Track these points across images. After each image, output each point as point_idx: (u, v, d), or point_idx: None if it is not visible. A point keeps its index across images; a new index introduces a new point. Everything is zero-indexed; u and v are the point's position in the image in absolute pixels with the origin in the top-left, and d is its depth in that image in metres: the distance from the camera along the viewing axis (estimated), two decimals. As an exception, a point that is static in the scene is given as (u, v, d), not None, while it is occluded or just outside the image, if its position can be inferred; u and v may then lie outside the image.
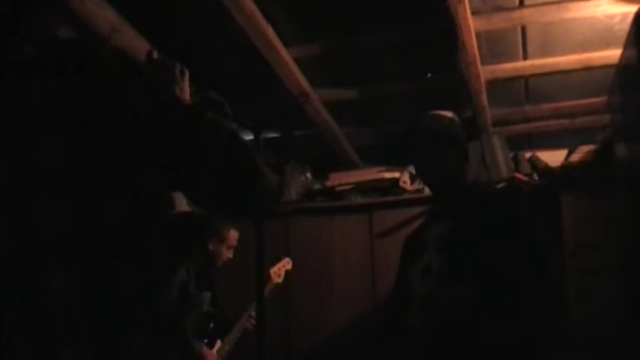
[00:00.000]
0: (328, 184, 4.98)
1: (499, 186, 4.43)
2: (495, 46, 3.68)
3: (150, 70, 1.49)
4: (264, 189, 1.35)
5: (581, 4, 3.19)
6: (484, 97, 3.96)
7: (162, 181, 1.26)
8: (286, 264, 3.91)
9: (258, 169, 1.31)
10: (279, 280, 3.81)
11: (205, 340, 3.30)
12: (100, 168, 1.19)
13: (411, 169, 4.79)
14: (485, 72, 3.76)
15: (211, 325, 3.40)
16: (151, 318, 1.20)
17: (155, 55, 1.53)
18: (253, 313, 3.55)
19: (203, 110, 1.44)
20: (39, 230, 1.14)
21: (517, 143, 4.77)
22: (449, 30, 3.13)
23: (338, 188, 4.94)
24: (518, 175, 4.49)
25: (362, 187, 4.92)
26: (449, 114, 2.35)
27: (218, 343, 3.42)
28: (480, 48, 3.45)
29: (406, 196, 4.72)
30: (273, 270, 3.80)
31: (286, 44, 3.34)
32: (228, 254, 3.54)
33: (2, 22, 1.31)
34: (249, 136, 1.72)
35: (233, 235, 3.54)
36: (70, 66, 1.24)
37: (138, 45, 2.89)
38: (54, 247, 1.14)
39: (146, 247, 1.23)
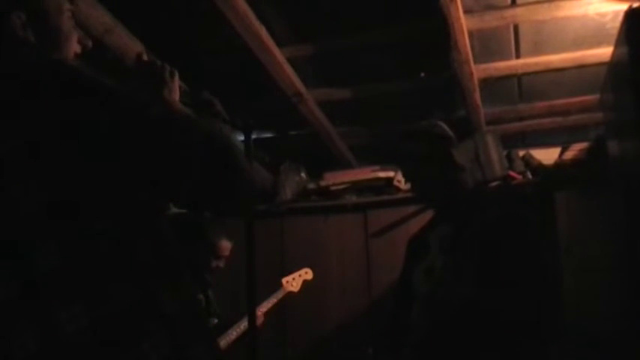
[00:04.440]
0: (323, 183, 4.98)
1: (493, 184, 4.45)
2: (488, 45, 3.69)
3: (136, 73, 1.49)
4: (248, 190, 1.34)
5: (573, 2, 3.20)
6: (477, 96, 3.98)
7: (144, 192, 1.26)
8: (304, 274, 3.91)
9: (240, 169, 1.31)
10: (294, 288, 3.82)
11: None
12: (78, 194, 1.19)
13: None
14: (478, 71, 3.77)
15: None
16: (162, 323, 1.20)
17: (145, 57, 1.53)
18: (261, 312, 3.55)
19: (189, 112, 1.44)
20: (36, 271, 1.15)
21: (511, 141, 4.79)
22: (441, 29, 3.14)
23: (333, 188, 4.94)
24: (512, 174, 4.51)
25: (356, 187, 4.93)
26: (425, 127, 2.33)
27: None
28: (472, 47, 3.46)
29: (400, 195, 4.73)
30: (286, 279, 3.82)
31: (280, 44, 3.35)
32: (218, 263, 3.50)
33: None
34: (240, 137, 1.73)
35: (224, 245, 3.50)
36: (39, 85, 1.24)
37: (131, 46, 2.90)
38: (53, 285, 1.15)
39: (139, 260, 1.23)
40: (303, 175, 5.06)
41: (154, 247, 1.26)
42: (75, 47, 1.43)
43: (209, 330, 2.88)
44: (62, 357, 1.12)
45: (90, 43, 1.47)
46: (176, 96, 1.49)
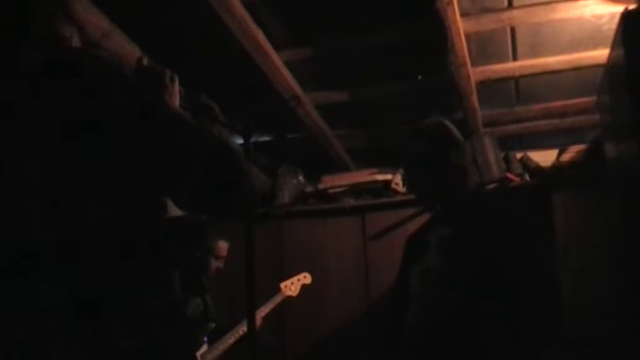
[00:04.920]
0: (321, 186, 4.99)
1: (491, 186, 4.45)
2: (485, 48, 3.70)
3: (138, 77, 1.50)
4: (248, 192, 1.35)
5: (570, 4, 3.22)
6: (475, 99, 3.98)
7: (147, 189, 1.27)
8: (303, 278, 3.92)
9: (241, 171, 1.32)
10: (292, 292, 3.84)
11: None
12: (81, 179, 1.20)
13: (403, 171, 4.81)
14: (476, 73, 3.78)
15: (198, 331, 3.39)
16: (140, 315, 1.22)
17: (145, 61, 1.54)
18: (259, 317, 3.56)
19: (188, 116, 1.45)
20: (24, 242, 1.16)
21: (508, 143, 4.80)
22: (439, 32, 3.15)
23: (330, 191, 4.94)
24: (510, 176, 4.51)
25: (354, 190, 4.93)
26: (428, 125, 2.33)
27: (203, 348, 3.41)
28: (469, 49, 3.47)
29: (398, 197, 4.73)
30: (285, 283, 3.83)
31: (277, 48, 3.36)
32: (218, 264, 3.53)
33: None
34: (239, 141, 1.74)
35: (222, 246, 3.53)
36: (49, 73, 1.25)
37: (129, 50, 2.90)
38: (40, 257, 1.17)
39: (132, 251, 1.24)
40: (300, 178, 5.06)
41: (151, 247, 1.27)
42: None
43: (188, 331, 2.89)
44: (35, 328, 1.14)
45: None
46: (176, 100, 1.50)
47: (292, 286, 3.85)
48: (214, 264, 3.51)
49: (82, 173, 1.21)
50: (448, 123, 2.31)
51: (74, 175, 1.20)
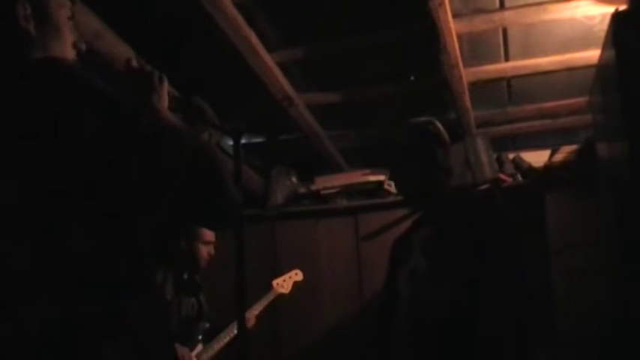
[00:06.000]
0: (314, 187, 4.98)
1: (482, 187, 4.46)
2: (477, 48, 3.71)
3: (125, 79, 1.49)
4: (229, 204, 1.34)
5: (561, 5, 3.23)
6: (467, 99, 3.99)
7: (125, 201, 1.26)
8: (294, 275, 3.92)
9: (222, 184, 1.31)
10: (284, 290, 3.83)
11: (184, 344, 3.28)
12: (57, 197, 1.19)
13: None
14: (468, 74, 3.79)
15: (193, 330, 3.38)
16: (128, 332, 1.21)
17: (134, 63, 1.52)
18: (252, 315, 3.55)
19: (175, 119, 1.44)
20: (4, 272, 1.15)
21: (501, 144, 4.81)
22: (431, 33, 3.15)
23: (323, 191, 4.94)
24: (502, 176, 4.52)
25: (347, 190, 4.93)
26: (419, 122, 2.33)
27: (199, 347, 3.40)
28: (461, 50, 3.48)
29: (391, 198, 4.72)
30: (277, 281, 3.82)
31: (269, 49, 3.36)
32: (209, 250, 3.47)
33: None
34: (229, 142, 1.73)
35: (206, 230, 3.48)
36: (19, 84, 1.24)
37: (121, 50, 2.89)
38: (21, 286, 1.16)
39: (116, 266, 1.23)
40: (293, 179, 5.06)
41: (128, 258, 1.26)
42: (69, 50, 1.42)
43: (172, 339, 2.86)
44: (27, 354, 1.13)
45: (84, 47, 1.46)
46: (164, 102, 1.48)
47: (284, 284, 3.85)
48: (204, 250, 3.44)
49: (59, 193, 1.19)
50: (436, 122, 2.31)
51: (52, 195, 1.19)
